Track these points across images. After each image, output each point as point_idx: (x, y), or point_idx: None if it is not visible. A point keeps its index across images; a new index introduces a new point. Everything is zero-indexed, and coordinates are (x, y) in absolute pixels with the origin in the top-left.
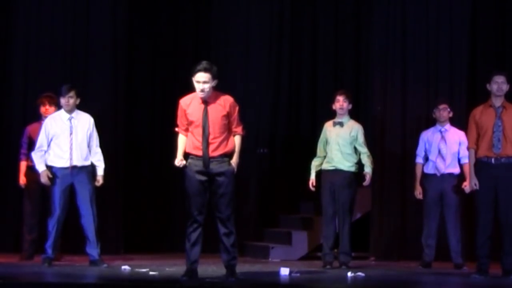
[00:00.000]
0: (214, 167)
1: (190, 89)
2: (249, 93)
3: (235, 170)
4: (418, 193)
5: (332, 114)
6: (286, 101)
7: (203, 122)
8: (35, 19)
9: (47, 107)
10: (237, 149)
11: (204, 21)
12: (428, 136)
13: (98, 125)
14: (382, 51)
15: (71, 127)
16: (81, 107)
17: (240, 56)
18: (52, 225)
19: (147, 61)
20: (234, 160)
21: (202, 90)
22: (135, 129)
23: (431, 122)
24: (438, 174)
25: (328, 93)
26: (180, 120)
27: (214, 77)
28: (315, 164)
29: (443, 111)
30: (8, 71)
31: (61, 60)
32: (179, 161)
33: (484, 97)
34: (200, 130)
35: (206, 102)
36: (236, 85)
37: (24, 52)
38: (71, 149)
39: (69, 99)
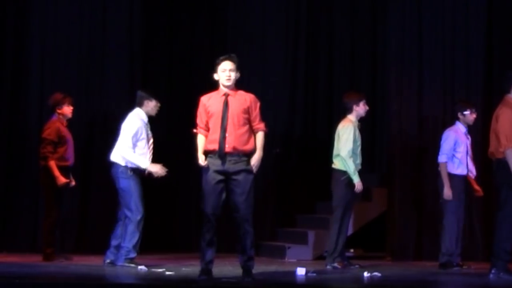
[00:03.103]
0: (231, 166)
1: (206, 88)
2: (265, 93)
3: (258, 164)
4: (451, 194)
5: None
6: (302, 100)
7: (223, 113)
8: (52, 19)
9: (71, 107)
10: (260, 144)
11: (221, 22)
12: (459, 137)
13: (114, 125)
14: (398, 50)
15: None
16: (96, 107)
17: (256, 55)
18: (140, 224)
19: (163, 61)
20: (257, 156)
21: (229, 78)
22: (152, 129)
23: (447, 122)
24: (471, 175)
25: (344, 93)
26: (200, 118)
27: (237, 68)
28: None
29: (473, 114)
30: (25, 71)
31: (77, 61)
32: (203, 161)
33: (500, 97)
34: (219, 121)
35: (227, 95)
36: (252, 84)
37: (41, 52)
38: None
39: None
